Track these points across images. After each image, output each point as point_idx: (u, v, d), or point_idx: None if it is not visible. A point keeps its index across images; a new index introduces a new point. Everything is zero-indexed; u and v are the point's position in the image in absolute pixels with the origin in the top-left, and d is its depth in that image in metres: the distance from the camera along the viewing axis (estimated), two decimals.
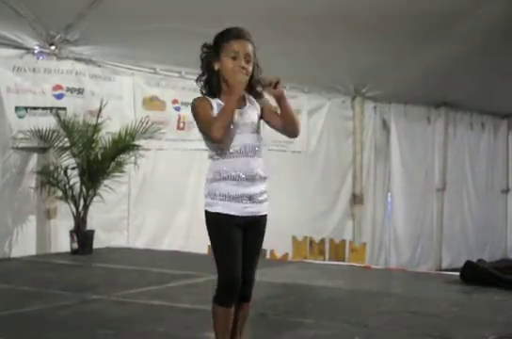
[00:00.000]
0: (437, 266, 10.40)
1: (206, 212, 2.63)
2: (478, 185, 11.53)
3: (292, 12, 6.41)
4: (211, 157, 2.64)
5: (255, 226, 2.64)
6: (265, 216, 2.68)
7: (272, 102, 2.70)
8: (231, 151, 2.58)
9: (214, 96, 2.63)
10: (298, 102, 8.37)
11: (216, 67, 2.63)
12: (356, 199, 9.38)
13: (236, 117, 2.59)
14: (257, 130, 2.66)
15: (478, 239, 11.42)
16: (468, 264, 4.82)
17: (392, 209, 9.93)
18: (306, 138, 8.73)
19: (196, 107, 2.63)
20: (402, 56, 8.19)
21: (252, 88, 2.64)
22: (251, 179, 2.59)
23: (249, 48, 2.62)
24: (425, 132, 10.45)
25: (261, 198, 2.63)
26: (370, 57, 7.98)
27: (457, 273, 4.88)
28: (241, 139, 2.60)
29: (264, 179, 2.64)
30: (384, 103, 9.69)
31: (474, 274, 4.67)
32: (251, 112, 2.66)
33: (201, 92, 2.68)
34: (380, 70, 8.43)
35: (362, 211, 9.45)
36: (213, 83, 2.64)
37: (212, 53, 2.64)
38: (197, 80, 2.69)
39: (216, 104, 2.61)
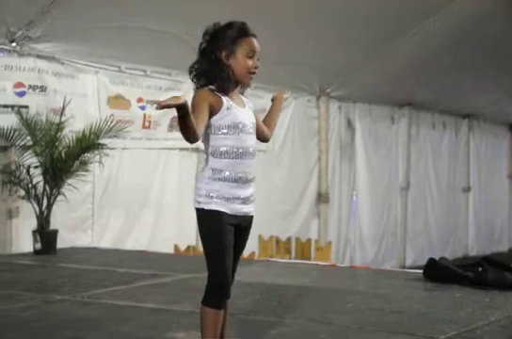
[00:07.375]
0: (401, 263, 10.54)
1: (201, 210, 2.53)
2: (440, 184, 11.72)
3: (256, 12, 6.42)
4: (212, 154, 2.53)
5: (245, 226, 2.62)
6: (253, 216, 2.66)
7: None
8: (235, 151, 2.51)
9: (224, 92, 2.50)
10: (264, 101, 8.36)
11: (230, 62, 2.50)
12: (321, 197, 9.45)
13: (243, 118, 2.55)
14: (255, 132, 2.63)
15: (441, 237, 11.61)
16: (430, 261, 4.89)
17: (357, 208, 10.03)
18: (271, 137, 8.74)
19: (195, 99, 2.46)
20: (367, 56, 8.27)
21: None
22: (248, 181, 2.56)
23: None
24: (389, 131, 10.57)
25: (252, 198, 2.61)
26: (335, 57, 8.05)
27: (420, 271, 4.95)
28: (245, 141, 2.54)
29: (254, 179, 2.62)
30: (349, 102, 9.78)
31: (437, 272, 4.74)
32: (251, 113, 2.63)
33: (195, 83, 2.53)
34: (345, 70, 8.51)
35: (328, 210, 9.52)
36: (224, 77, 2.48)
37: (224, 45, 2.49)
38: (194, 70, 2.51)
39: (225, 100, 2.49)
